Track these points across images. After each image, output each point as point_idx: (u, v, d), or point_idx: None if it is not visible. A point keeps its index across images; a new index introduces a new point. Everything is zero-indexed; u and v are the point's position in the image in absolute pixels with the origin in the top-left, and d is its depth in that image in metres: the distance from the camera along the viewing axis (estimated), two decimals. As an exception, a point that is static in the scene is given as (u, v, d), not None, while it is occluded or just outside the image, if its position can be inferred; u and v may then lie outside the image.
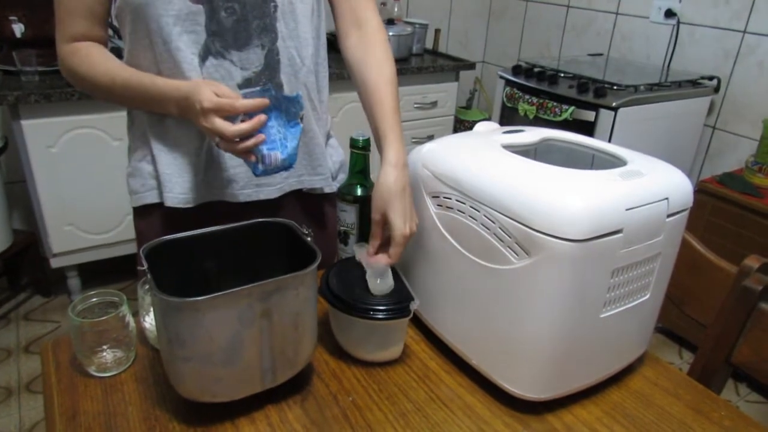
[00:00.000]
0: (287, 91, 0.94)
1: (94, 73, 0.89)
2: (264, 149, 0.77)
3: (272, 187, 0.99)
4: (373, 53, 0.95)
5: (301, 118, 0.79)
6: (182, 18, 0.85)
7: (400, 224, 0.81)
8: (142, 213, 0.99)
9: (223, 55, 0.88)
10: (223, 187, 0.96)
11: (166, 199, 0.94)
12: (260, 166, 0.78)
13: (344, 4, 0.97)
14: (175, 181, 0.94)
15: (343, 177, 1.10)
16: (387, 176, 0.83)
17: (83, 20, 0.90)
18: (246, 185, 0.97)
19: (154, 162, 0.95)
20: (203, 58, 0.88)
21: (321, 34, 0.99)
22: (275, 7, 0.89)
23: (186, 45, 0.86)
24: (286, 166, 0.81)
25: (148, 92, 0.87)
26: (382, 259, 0.83)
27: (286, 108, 0.78)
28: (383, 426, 0.73)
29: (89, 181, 2.06)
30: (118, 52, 0.93)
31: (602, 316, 0.74)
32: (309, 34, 0.94)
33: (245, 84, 0.90)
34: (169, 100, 0.85)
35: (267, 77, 0.92)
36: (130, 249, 2.25)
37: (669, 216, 0.74)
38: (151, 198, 0.97)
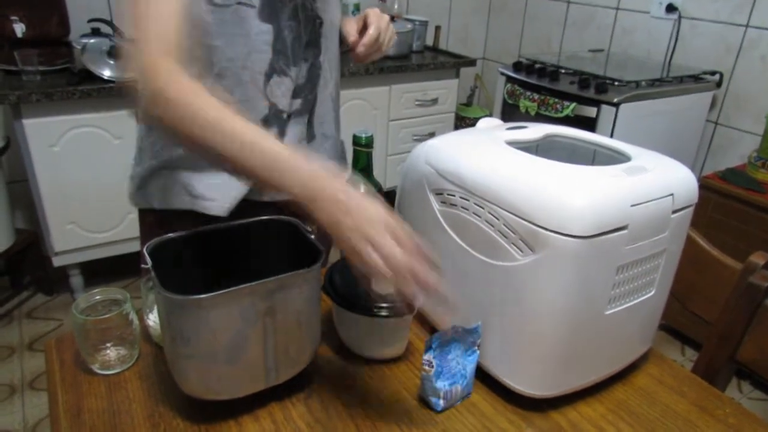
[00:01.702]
0: (318, 101, 0.96)
1: (203, 116, 0.69)
2: (446, 385, 0.74)
3: None
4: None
5: (479, 345, 0.77)
6: (252, 37, 0.84)
7: (374, 16, 0.98)
8: (159, 214, 0.95)
9: (285, 72, 0.89)
10: (253, 191, 0.93)
11: (209, 208, 0.90)
12: (441, 402, 0.74)
13: None
14: (223, 192, 0.91)
15: (345, 167, 1.11)
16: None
17: (176, 29, 0.74)
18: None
19: (191, 171, 0.91)
20: (269, 77, 0.87)
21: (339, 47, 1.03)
22: (321, 23, 0.92)
23: (253, 63, 0.85)
24: (465, 395, 0.78)
25: (278, 163, 0.67)
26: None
27: (465, 339, 0.75)
28: (387, 423, 0.73)
29: (91, 180, 2.06)
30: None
31: (607, 313, 0.74)
32: (337, 49, 1.00)
33: (294, 95, 0.92)
34: (301, 182, 0.65)
35: (308, 90, 0.94)
36: (132, 247, 2.25)
37: (674, 212, 0.74)
38: (179, 204, 0.92)
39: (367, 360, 0.84)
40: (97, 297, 0.81)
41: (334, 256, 1.09)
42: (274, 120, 0.91)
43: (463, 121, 3.10)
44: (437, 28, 3.02)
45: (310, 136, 0.98)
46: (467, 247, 0.78)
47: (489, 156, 0.79)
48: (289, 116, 0.93)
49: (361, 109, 2.58)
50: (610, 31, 2.65)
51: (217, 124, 0.68)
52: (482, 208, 0.74)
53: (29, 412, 1.78)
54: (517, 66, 2.34)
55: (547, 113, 2.14)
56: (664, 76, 2.15)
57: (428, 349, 0.72)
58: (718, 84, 2.23)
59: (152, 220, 0.97)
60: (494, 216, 0.72)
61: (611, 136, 1.99)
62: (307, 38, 0.91)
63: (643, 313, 0.80)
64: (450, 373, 0.75)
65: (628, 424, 0.75)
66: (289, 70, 0.89)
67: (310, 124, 0.97)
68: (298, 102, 0.93)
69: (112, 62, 1.98)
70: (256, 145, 0.67)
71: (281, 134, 0.93)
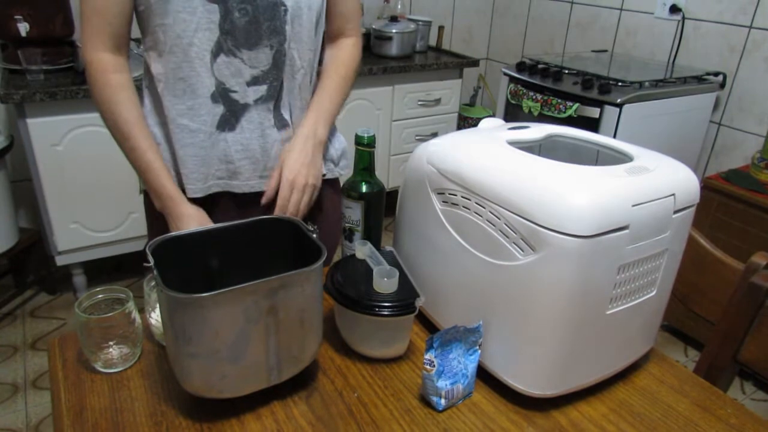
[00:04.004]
0: (286, 89, 0.98)
1: (115, 119, 0.93)
2: (448, 384, 0.74)
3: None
4: (338, 56, 1.08)
5: (480, 345, 0.77)
6: (198, 15, 0.88)
7: (287, 173, 0.96)
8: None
9: (234, 53, 0.92)
10: (229, 179, 1.00)
11: (187, 191, 0.99)
12: (443, 402, 0.74)
13: (335, 21, 1.05)
14: (194, 176, 0.98)
15: (345, 163, 1.13)
16: (293, 143, 0.98)
17: (113, 19, 0.90)
18: (251, 177, 1.01)
19: (172, 151, 0.98)
20: (215, 55, 0.92)
21: (320, 40, 1.03)
22: (285, 11, 0.93)
23: (200, 41, 0.90)
24: (467, 394, 0.78)
25: (148, 173, 0.95)
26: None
27: (466, 338, 0.76)
28: (388, 422, 0.73)
29: (94, 179, 2.07)
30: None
31: (608, 312, 0.74)
32: (311, 39, 0.99)
33: (253, 81, 0.94)
34: (160, 197, 0.95)
35: (273, 76, 0.96)
36: (135, 246, 2.25)
37: (676, 212, 0.74)
38: None
39: (368, 359, 0.84)
40: (100, 296, 0.81)
41: (335, 255, 1.10)
42: (222, 99, 0.94)
43: (466, 122, 3.10)
44: (440, 29, 3.02)
45: (280, 124, 1.00)
46: (469, 247, 0.78)
47: (490, 156, 0.79)
48: (255, 102, 0.96)
49: (365, 109, 2.58)
50: (614, 32, 2.65)
51: (125, 130, 0.92)
52: (483, 207, 0.74)
53: (32, 411, 1.79)
54: (521, 66, 2.34)
55: (550, 114, 2.14)
56: (668, 76, 2.14)
57: (429, 348, 0.72)
58: (722, 85, 2.23)
59: (148, 198, 1.03)
60: (495, 215, 0.73)
61: (614, 136, 1.98)
62: (269, 24, 0.92)
63: (644, 312, 0.80)
64: (451, 372, 0.75)
65: (629, 424, 0.75)
66: (239, 52, 0.92)
67: (277, 111, 0.98)
68: (263, 88, 0.95)
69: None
70: (142, 160, 0.94)
71: (233, 115, 0.96)
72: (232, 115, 0.95)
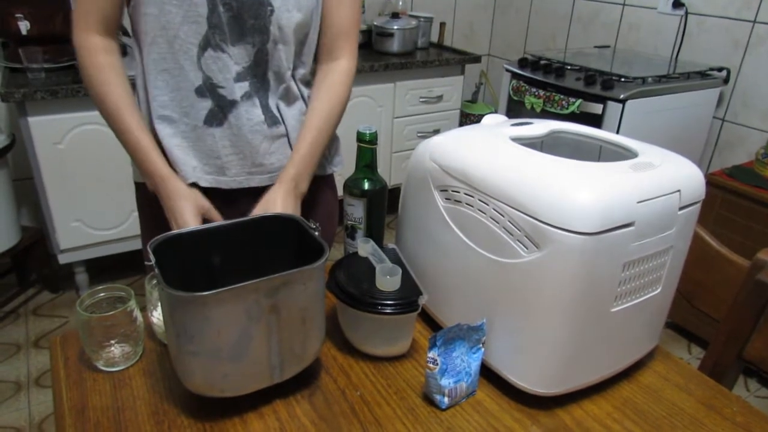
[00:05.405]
0: (272, 87, 0.98)
1: (104, 100, 0.92)
2: (451, 383, 0.74)
3: (263, 176, 1.02)
4: (325, 91, 1.01)
5: (483, 343, 0.77)
6: (184, 8, 0.88)
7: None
8: (144, 188, 1.02)
9: (222, 48, 0.92)
10: (217, 174, 0.99)
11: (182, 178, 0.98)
12: (446, 400, 0.74)
13: (327, 32, 1.00)
14: (181, 163, 0.97)
15: (339, 159, 1.12)
16: (273, 196, 0.95)
17: (105, 2, 0.90)
18: (238, 173, 1.00)
19: (157, 140, 0.97)
20: (203, 49, 0.91)
21: (312, 43, 1.00)
22: (271, 11, 0.92)
23: (186, 34, 0.89)
24: (470, 392, 0.78)
25: (137, 153, 0.93)
26: None
27: (470, 336, 0.75)
28: (391, 421, 0.73)
29: (96, 177, 2.07)
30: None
31: (613, 310, 0.73)
32: (300, 42, 0.98)
33: (238, 78, 0.94)
34: (150, 177, 0.94)
35: (254, 73, 0.95)
36: (137, 245, 2.25)
37: (681, 208, 0.73)
38: (137, 177, 1.03)
39: (371, 357, 0.84)
40: (102, 294, 0.81)
41: (336, 254, 1.10)
42: (210, 94, 0.94)
43: (468, 118, 3.09)
44: (442, 25, 3.01)
45: (271, 121, 0.99)
46: (472, 244, 0.77)
47: (494, 152, 0.78)
48: (242, 98, 0.95)
49: (366, 106, 2.57)
50: (617, 27, 2.64)
51: (114, 111, 0.92)
52: (487, 204, 0.74)
53: (35, 409, 1.79)
54: (523, 62, 2.33)
55: (552, 110, 2.13)
56: (671, 72, 2.13)
57: (432, 346, 0.72)
58: (726, 80, 2.22)
59: (142, 193, 1.04)
60: (499, 212, 0.72)
61: (617, 133, 1.97)
62: (253, 22, 0.91)
63: (649, 310, 0.79)
64: (455, 370, 0.75)
65: (634, 422, 0.75)
66: (226, 46, 0.91)
67: (267, 108, 0.98)
68: (245, 85, 0.95)
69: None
70: (130, 140, 0.92)
71: (221, 110, 0.95)
72: (220, 110, 0.95)
